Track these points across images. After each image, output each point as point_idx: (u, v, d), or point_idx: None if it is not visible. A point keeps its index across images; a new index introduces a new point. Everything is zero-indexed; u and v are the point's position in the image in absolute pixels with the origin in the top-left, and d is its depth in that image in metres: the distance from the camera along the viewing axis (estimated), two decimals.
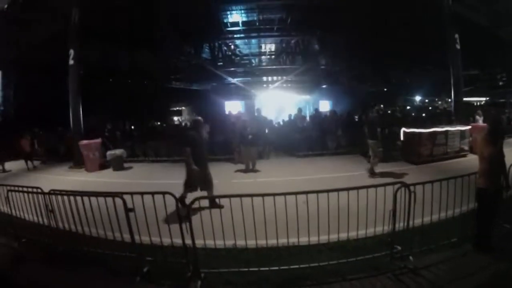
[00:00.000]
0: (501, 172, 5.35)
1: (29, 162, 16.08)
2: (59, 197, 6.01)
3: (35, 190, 6.34)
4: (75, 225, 5.91)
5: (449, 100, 22.22)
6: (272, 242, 5.44)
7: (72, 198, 5.82)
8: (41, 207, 6.28)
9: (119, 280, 5.12)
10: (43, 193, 6.19)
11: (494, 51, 24.56)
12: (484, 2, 18.58)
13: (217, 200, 6.30)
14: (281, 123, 20.13)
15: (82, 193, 5.86)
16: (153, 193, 5.27)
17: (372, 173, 11.35)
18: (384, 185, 5.41)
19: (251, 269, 4.97)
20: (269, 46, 30.34)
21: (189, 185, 7.94)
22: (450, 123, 16.55)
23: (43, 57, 20.05)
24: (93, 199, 5.66)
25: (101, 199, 5.55)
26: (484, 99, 39.25)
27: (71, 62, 15.48)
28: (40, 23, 18.79)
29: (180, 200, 6.45)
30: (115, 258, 5.50)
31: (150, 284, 4.98)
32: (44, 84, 22.00)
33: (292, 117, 18.84)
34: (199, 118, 8.95)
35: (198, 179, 7.92)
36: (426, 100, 43.97)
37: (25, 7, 18.47)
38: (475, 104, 36.29)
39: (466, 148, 14.22)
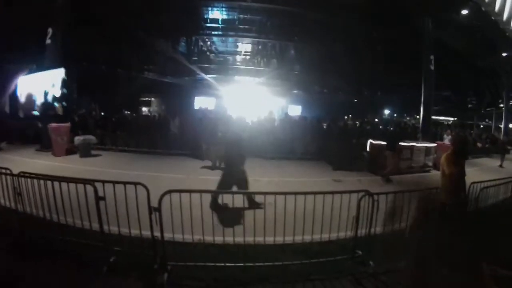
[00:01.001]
0: (461, 189, 5.67)
1: None
2: (28, 180, 5.85)
3: (3, 171, 6.17)
4: (43, 210, 5.76)
5: (418, 116, 22.93)
6: (239, 239, 5.54)
7: (42, 182, 5.70)
8: (8, 189, 6.10)
9: (86, 270, 5.05)
10: (12, 174, 6.02)
11: (467, 76, 25.53)
12: (464, 31, 19.31)
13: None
14: (250, 123, 20.21)
15: (53, 178, 5.76)
16: (125, 183, 5.27)
17: (387, 180, 12.12)
18: (349, 192, 5.63)
19: (217, 264, 5.06)
20: (245, 46, 30.46)
21: (224, 184, 7.71)
22: (416, 139, 17.09)
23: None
24: (63, 184, 5.55)
25: (71, 185, 5.48)
26: (452, 119, 40.62)
27: (48, 41, 15.15)
28: None
29: (213, 200, 6.63)
30: (83, 247, 5.43)
31: (116, 275, 4.97)
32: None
33: (262, 119, 18.97)
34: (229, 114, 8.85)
35: (233, 178, 7.79)
36: (395, 115, 45.04)
37: None
38: (444, 123, 37.58)
39: (430, 164, 14.82)
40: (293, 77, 30.69)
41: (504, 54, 23.28)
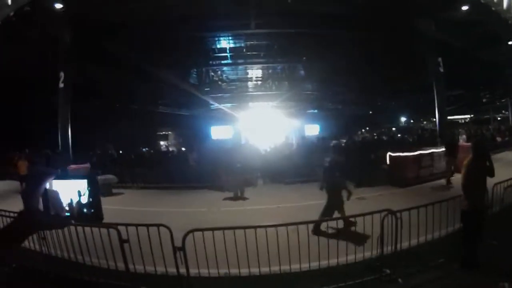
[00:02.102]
0: (483, 195, 5.55)
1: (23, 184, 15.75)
2: None
3: None
4: (67, 252, 5.87)
5: (434, 119, 22.70)
6: (264, 270, 5.52)
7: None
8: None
9: None
10: None
11: (476, 71, 25.22)
12: (467, 27, 19.18)
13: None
14: (268, 150, 20.24)
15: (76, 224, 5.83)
16: (148, 225, 5.37)
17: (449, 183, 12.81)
18: (371, 213, 5.61)
19: None
20: (255, 72, 30.64)
21: (329, 211, 7.96)
22: (435, 144, 16.83)
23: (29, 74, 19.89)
24: (86, 227, 5.59)
25: (95, 228, 5.56)
26: (468, 116, 40.01)
27: (61, 85, 15.48)
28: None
29: (315, 227, 6.86)
30: (109, 287, 5.50)
31: None
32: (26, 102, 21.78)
33: (278, 144, 19.00)
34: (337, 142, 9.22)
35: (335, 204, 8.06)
36: (412, 121, 44.55)
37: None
38: (460, 121, 36.97)
39: (452, 168, 14.52)
40: (306, 97, 30.74)
41: (510, 43, 23.06)
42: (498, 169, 5.72)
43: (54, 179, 1.41)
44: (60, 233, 5.82)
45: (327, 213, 7.76)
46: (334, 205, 7.92)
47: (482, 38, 21.00)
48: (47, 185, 1.42)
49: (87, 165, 15.36)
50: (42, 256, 6.18)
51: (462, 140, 17.75)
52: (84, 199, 1.45)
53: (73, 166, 14.68)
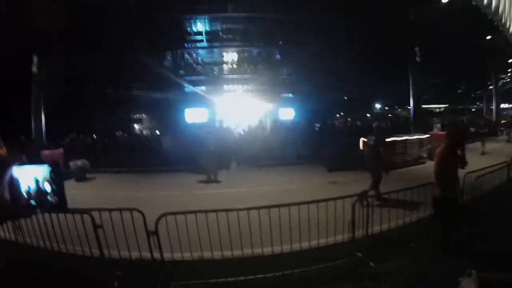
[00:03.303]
0: (455, 183, 5.65)
1: None
2: None
3: None
4: (43, 240, 5.79)
5: (409, 107, 23.07)
6: (237, 253, 5.58)
7: (40, 214, 5.52)
8: (7, 223, 6.05)
9: None
10: None
11: (453, 61, 25.65)
12: (447, 18, 19.38)
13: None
14: (242, 133, 20.24)
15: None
16: (121, 210, 5.34)
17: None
18: (343, 197, 5.67)
19: (218, 280, 5.07)
20: (231, 55, 30.40)
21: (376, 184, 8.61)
22: (409, 132, 17.11)
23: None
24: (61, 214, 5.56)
25: (69, 214, 5.51)
26: (444, 106, 40.73)
27: (33, 69, 15.05)
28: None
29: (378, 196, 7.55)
30: (85, 274, 5.42)
31: None
32: None
33: (253, 128, 19.00)
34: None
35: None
36: (386, 108, 45.08)
37: None
38: (435, 111, 37.65)
39: (425, 155, 14.82)
40: (281, 81, 30.68)
41: (488, 37, 23.53)
42: (471, 159, 5.85)
43: (18, 165, 1.36)
44: (35, 221, 5.71)
45: (374, 187, 8.43)
46: (377, 180, 8.59)
47: (462, 30, 21.32)
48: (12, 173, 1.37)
49: (60, 150, 15.03)
50: (18, 246, 6.07)
51: (437, 129, 18.16)
52: (48, 187, 1.41)
53: (46, 152, 14.29)
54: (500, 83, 31.91)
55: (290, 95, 31.23)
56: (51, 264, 5.72)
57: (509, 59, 28.25)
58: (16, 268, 5.83)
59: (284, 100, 30.89)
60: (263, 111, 27.91)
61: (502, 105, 33.60)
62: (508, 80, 31.97)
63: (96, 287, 5.24)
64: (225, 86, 30.62)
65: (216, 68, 31.66)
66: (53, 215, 5.59)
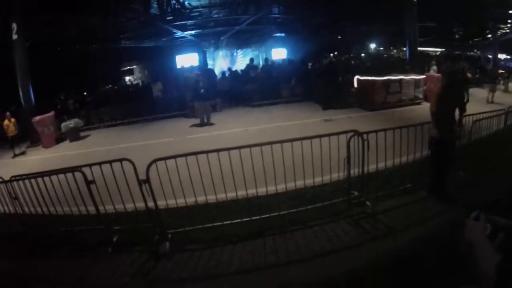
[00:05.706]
0: (452, 125, 5.50)
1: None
2: (21, 182, 5.72)
3: None
4: (40, 207, 5.68)
5: (404, 49, 22.68)
6: (231, 195, 5.55)
7: (33, 180, 5.60)
8: (5, 195, 6.01)
9: (91, 255, 5.07)
10: (4, 181, 5.90)
11: (451, 5, 25.00)
12: None
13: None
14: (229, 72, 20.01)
15: (42, 174, 5.66)
16: (110, 162, 5.21)
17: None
18: (337, 133, 5.47)
19: (215, 224, 5.05)
20: None
21: None
22: (404, 72, 16.81)
23: None
24: (54, 177, 5.50)
25: (61, 176, 5.40)
26: (439, 50, 40.22)
27: (14, 36, 14.48)
28: None
29: None
30: (84, 233, 5.46)
31: (121, 252, 5.00)
32: None
33: (244, 68, 18.75)
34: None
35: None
36: (381, 49, 44.45)
37: None
38: (430, 54, 37.25)
39: (421, 96, 14.65)
40: (273, 21, 29.97)
41: None
42: (468, 104, 5.71)
43: None
44: (30, 189, 5.61)
45: None
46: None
47: None
48: None
49: (52, 113, 14.72)
50: (16, 217, 5.98)
51: (433, 71, 17.92)
52: None
53: (37, 118, 13.92)
54: (499, 33, 31.43)
55: (283, 34, 30.61)
56: (50, 230, 5.70)
57: (509, 10, 27.60)
58: (17, 239, 5.87)
59: (277, 39, 30.44)
60: (255, 51, 27.61)
61: (500, 56, 33.27)
62: (508, 31, 31.36)
63: (96, 244, 5.25)
64: (215, 29, 29.94)
65: (204, 11, 30.84)
66: (46, 178, 5.50)
